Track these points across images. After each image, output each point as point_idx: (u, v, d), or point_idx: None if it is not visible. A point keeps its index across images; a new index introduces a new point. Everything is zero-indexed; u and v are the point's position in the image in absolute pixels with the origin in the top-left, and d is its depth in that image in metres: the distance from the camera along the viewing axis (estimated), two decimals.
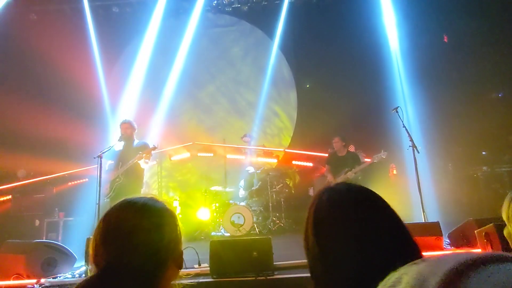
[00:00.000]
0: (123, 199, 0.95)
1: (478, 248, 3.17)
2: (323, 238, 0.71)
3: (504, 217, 1.23)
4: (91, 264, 0.87)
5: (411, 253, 0.60)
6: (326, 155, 6.40)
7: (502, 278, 0.28)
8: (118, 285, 0.81)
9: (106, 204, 4.71)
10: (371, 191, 0.75)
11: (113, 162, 4.91)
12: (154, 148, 4.76)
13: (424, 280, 0.33)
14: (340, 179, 5.58)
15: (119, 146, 4.81)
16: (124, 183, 4.65)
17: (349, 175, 5.49)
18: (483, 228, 3.04)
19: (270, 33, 8.32)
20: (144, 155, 4.59)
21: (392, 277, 0.40)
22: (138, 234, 0.86)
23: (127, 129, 4.81)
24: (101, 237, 0.88)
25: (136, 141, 4.92)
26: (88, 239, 3.51)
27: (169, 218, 0.93)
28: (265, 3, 8.21)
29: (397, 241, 0.66)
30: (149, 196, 0.98)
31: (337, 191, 0.76)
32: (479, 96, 6.80)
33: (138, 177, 4.84)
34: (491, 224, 2.95)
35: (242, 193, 6.88)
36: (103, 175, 4.45)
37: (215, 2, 8.22)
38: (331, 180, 5.73)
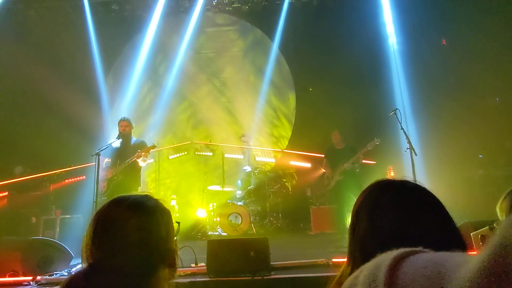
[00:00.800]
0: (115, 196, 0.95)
1: (474, 251, 3.19)
2: (377, 224, 0.75)
3: (503, 216, 1.25)
4: (83, 261, 0.87)
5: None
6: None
7: (426, 258, 0.46)
8: (105, 282, 0.79)
9: (104, 202, 4.68)
10: (426, 189, 0.79)
11: (110, 160, 4.87)
12: (153, 146, 4.75)
13: (378, 266, 0.47)
14: (338, 171, 5.60)
15: (116, 143, 4.79)
16: (122, 181, 4.62)
17: (345, 166, 5.50)
18: (478, 231, 3.05)
19: (270, 33, 8.33)
20: (142, 153, 4.58)
21: (354, 274, 0.52)
22: (127, 231, 0.85)
23: (126, 126, 4.79)
24: (92, 234, 0.87)
25: (133, 139, 4.90)
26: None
27: (160, 216, 0.91)
28: (266, 3, 8.22)
29: (447, 238, 0.71)
30: (143, 193, 0.96)
31: (392, 186, 0.80)
32: (476, 101, 6.84)
33: (136, 175, 4.82)
34: (486, 227, 2.97)
35: (239, 192, 6.89)
36: (100, 173, 4.44)
37: (215, 1, 8.22)
38: (329, 173, 5.75)
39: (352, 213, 0.82)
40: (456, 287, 0.38)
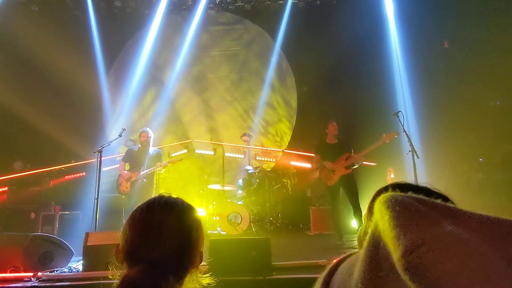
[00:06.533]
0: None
1: None
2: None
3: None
4: (122, 261, 0.86)
5: None
6: None
7: (351, 259, 0.52)
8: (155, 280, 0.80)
9: (106, 199, 4.77)
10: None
11: (129, 163, 5.30)
12: (181, 159, 5.55)
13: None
14: (341, 164, 4.93)
15: (135, 148, 5.34)
16: (145, 184, 5.18)
17: (358, 161, 4.85)
18: None
19: (272, 33, 8.33)
20: (169, 164, 5.24)
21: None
22: (167, 230, 0.87)
23: (148, 137, 5.26)
24: (139, 231, 0.87)
25: (152, 149, 5.31)
26: (87, 234, 3.50)
27: (194, 218, 0.96)
28: (268, 2, 8.21)
29: None
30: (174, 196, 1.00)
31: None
32: (477, 104, 6.86)
33: (153, 179, 5.38)
34: None
35: (239, 192, 6.89)
36: (122, 174, 5.10)
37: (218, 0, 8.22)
38: (331, 167, 4.93)
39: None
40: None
